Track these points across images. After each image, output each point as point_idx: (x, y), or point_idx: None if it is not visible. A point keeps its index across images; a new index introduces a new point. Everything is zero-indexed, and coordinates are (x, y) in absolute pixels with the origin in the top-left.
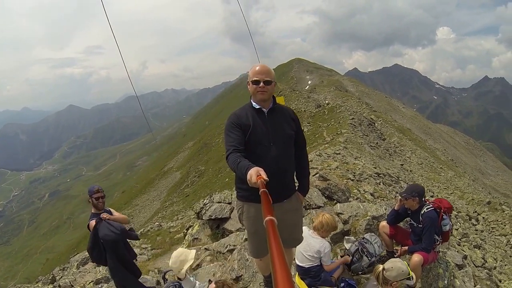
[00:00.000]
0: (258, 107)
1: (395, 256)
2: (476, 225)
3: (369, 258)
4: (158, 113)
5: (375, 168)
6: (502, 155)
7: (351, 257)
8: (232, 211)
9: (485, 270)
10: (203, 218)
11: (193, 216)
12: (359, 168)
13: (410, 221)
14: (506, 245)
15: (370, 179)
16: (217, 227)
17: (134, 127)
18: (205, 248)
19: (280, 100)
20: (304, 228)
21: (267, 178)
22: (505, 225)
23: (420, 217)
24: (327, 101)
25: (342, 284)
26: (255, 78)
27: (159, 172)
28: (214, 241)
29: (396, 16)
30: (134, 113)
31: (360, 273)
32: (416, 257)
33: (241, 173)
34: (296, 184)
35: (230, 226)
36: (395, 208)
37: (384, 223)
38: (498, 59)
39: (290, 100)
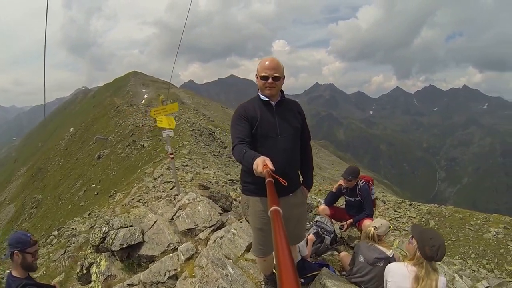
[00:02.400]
0: (266, 99)
1: (342, 229)
2: None
3: (330, 235)
4: None
5: (227, 175)
6: (335, 150)
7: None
8: (144, 234)
9: None
10: (112, 249)
11: (89, 251)
12: (213, 177)
13: (347, 198)
14: None
15: (227, 186)
16: (128, 256)
17: None
18: (128, 285)
19: (174, 107)
20: None
21: (273, 168)
22: None
23: (358, 191)
24: None
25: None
26: (264, 74)
27: None
28: (132, 274)
29: (235, 29)
30: None
31: (322, 254)
32: (368, 222)
33: (248, 163)
34: (301, 179)
35: (148, 251)
36: (333, 191)
37: (323, 206)
38: (328, 67)
39: (128, 115)
